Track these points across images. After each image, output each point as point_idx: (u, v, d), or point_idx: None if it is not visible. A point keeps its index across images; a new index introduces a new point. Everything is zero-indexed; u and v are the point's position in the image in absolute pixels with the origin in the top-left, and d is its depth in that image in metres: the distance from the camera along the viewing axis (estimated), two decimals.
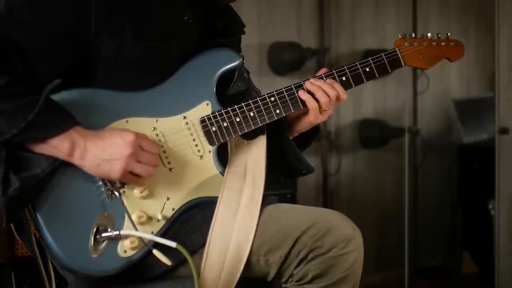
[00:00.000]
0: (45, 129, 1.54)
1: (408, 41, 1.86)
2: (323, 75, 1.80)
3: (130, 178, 1.61)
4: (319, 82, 1.77)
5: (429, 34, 1.88)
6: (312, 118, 1.79)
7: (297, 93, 1.76)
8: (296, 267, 1.64)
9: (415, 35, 1.87)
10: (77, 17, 1.60)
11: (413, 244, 4.49)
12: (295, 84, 1.78)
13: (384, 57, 1.83)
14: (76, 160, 1.57)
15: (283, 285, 1.68)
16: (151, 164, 1.61)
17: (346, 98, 1.78)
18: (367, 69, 1.81)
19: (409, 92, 4.66)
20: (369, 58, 1.82)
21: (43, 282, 1.65)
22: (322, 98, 1.76)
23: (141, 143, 1.60)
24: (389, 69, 1.83)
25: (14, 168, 1.54)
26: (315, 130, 1.88)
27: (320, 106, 1.77)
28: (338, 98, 1.77)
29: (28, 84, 1.55)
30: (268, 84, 3.78)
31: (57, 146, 1.55)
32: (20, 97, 1.52)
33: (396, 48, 1.85)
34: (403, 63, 1.85)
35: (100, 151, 1.57)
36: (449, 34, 1.90)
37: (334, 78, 1.79)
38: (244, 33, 1.89)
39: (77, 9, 1.59)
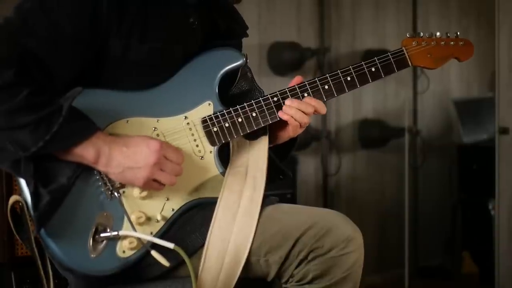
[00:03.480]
0: (69, 138, 1.55)
1: (415, 41, 1.82)
2: (327, 76, 1.77)
3: (153, 186, 1.62)
4: (295, 104, 1.73)
5: (437, 33, 1.84)
6: (292, 133, 1.78)
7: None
8: (296, 268, 1.64)
9: (423, 34, 1.83)
10: (90, 19, 1.59)
11: (413, 244, 4.49)
12: (298, 85, 1.76)
13: (390, 56, 1.80)
14: (101, 167, 1.58)
15: (283, 286, 1.67)
16: (174, 173, 1.62)
17: (325, 111, 1.75)
18: (373, 69, 1.78)
19: (409, 92, 4.66)
20: (375, 58, 1.78)
21: (41, 281, 1.65)
22: (301, 119, 1.73)
23: (166, 152, 1.61)
24: (395, 69, 1.80)
25: (42, 181, 1.55)
26: (292, 142, 1.84)
27: (300, 124, 1.75)
28: (316, 111, 1.75)
29: (46, 91, 1.55)
30: (268, 84, 3.77)
31: (82, 155, 1.56)
32: (42, 108, 1.52)
33: (403, 48, 1.81)
34: (410, 63, 1.81)
35: (124, 158, 1.58)
36: (458, 33, 1.88)
37: (338, 78, 1.77)
38: (247, 35, 1.88)
39: (89, 12, 1.59)
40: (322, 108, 1.75)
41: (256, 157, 1.74)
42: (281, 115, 1.73)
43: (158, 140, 1.61)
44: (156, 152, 1.59)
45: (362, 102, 4.45)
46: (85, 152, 1.56)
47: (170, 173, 1.62)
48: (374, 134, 4.44)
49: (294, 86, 1.75)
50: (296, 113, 1.73)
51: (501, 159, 3.72)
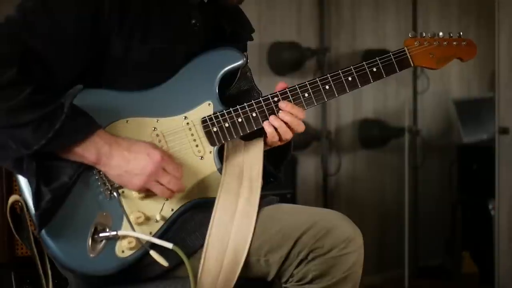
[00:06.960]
0: (71, 136, 1.55)
1: (418, 41, 1.81)
2: (328, 76, 1.76)
3: (148, 192, 1.62)
4: (288, 118, 1.71)
5: (440, 33, 1.83)
6: (269, 142, 1.76)
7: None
8: (296, 268, 1.64)
9: (426, 34, 1.82)
10: (91, 19, 1.59)
11: (413, 244, 4.49)
12: (299, 85, 1.75)
13: (392, 56, 1.78)
14: (101, 166, 1.59)
15: (283, 285, 1.68)
16: (171, 187, 1.61)
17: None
18: (374, 69, 1.77)
19: (409, 92, 4.66)
20: (377, 58, 1.77)
21: (40, 281, 1.65)
22: (285, 134, 1.72)
23: (165, 165, 1.61)
24: (397, 69, 1.78)
25: (44, 179, 1.55)
26: (285, 149, 1.83)
27: (280, 139, 1.73)
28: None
29: (48, 89, 1.55)
30: (268, 84, 3.77)
31: (83, 155, 1.57)
32: (44, 106, 1.52)
33: (405, 48, 1.80)
34: (412, 63, 1.80)
35: (124, 162, 1.58)
36: (461, 33, 1.87)
37: (339, 78, 1.76)
38: (252, 38, 1.88)
39: (92, 12, 1.59)
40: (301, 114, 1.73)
41: (251, 159, 1.74)
42: (266, 126, 1.70)
43: (160, 151, 1.61)
44: (155, 163, 1.59)
45: (362, 102, 4.45)
46: (86, 152, 1.56)
47: (166, 185, 1.61)
48: (374, 134, 4.44)
49: (295, 86, 1.75)
50: (281, 127, 1.71)
51: (501, 159, 3.72)
